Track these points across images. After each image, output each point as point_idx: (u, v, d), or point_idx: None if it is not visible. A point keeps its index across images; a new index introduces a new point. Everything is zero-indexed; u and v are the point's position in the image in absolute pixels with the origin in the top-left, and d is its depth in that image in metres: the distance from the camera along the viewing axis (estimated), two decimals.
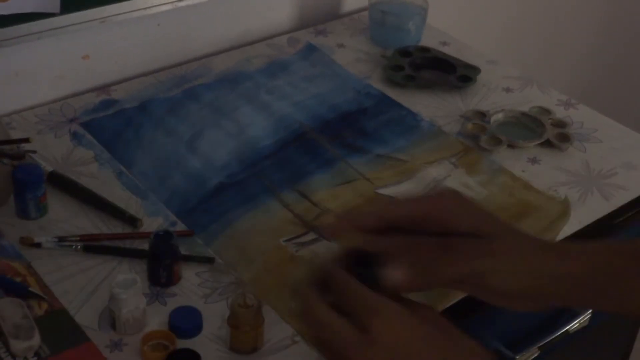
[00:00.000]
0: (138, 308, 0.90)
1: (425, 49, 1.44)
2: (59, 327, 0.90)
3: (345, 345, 0.60)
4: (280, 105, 1.30)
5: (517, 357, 1.10)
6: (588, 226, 1.12)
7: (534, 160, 1.22)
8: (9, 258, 0.97)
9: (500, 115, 1.29)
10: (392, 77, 1.37)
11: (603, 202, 1.15)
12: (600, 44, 2.29)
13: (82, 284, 0.96)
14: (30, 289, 0.93)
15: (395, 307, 0.61)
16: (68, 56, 1.28)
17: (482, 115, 1.29)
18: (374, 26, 1.49)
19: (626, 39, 2.32)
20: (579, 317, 1.17)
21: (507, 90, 1.38)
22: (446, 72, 1.40)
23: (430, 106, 1.33)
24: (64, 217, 1.05)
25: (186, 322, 0.91)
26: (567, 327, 1.16)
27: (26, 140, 1.08)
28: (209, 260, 1.01)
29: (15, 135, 1.15)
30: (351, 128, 1.26)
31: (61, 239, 1.01)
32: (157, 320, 0.92)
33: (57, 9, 1.19)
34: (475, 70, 1.40)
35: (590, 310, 1.17)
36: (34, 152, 1.10)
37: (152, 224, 1.05)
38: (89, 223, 1.05)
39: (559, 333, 1.15)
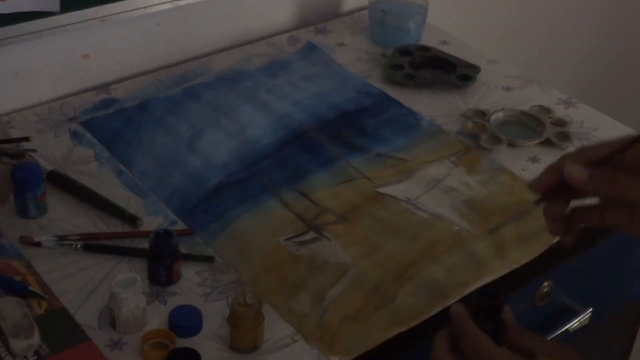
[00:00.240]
0: (138, 307, 0.90)
1: (426, 48, 1.44)
2: (58, 326, 0.90)
3: None
4: (280, 104, 1.29)
5: None
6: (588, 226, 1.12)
7: (534, 159, 1.22)
8: (8, 257, 0.97)
9: (500, 114, 1.29)
10: (392, 76, 1.37)
11: None
12: (600, 44, 2.28)
13: (82, 283, 0.96)
14: (30, 288, 0.93)
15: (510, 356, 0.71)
16: (68, 55, 1.28)
17: (482, 114, 1.29)
18: (374, 25, 1.49)
19: (626, 39, 2.32)
20: (579, 317, 1.17)
21: (507, 89, 1.38)
22: (446, 71, 1.40)
23: (430, 105, 1.33)
24: (63, 216, 1.05)
25: (186, 321, 0.91)
26: (567, 327, 1.16)
27: (26, 139, 1.08)
28: (209, 259, 1.01)
29: (15, 134, 1.15)
30: (351, 127, 1.26)
31: (61, 238, 1.01)
32: (157, 319, 0.92)
33: (56, 8, 1.19)
34: (475, 69, 1.40)
35: (590, 310, 1.17)
36: (34, 151, 1.10)
37: (152, 223, 1.05)
38: (88, 222, 1.05)
39: (559, 333, 1.15)
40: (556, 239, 1.09)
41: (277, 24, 1.51)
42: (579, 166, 0.72)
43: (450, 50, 1.45)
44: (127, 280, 0.90)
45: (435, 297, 0.98)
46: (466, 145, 1.24)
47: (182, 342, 0.89)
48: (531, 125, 1.28)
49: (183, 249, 1.00)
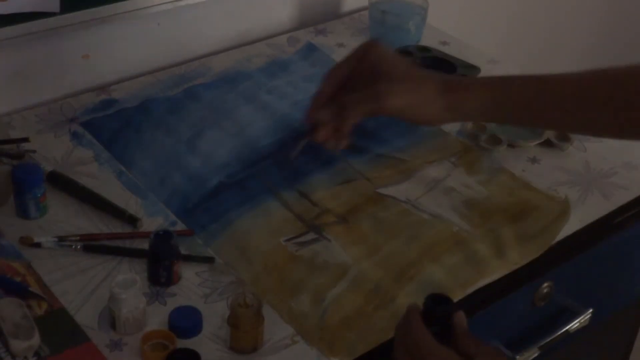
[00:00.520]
0: (138, 308, 0.90)
1: (426, 49, 1.44)
2: (58, 327, 0.89)
3: None
4: (280, 104, 1.29)
5: (517, 357, 1.09)
6: (588, 226, 1.12)
7: (534, 160, 1.22)
8: (8, 258, 0.97)
9: None
10: None
11: (603, 202, 1.15)
12: (600, 44, 2.28)
13: (81, 284, 0.96)
14: (30, 288, 0.93)
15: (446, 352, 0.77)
16: (68, 55, 1.28)
17: None
18: (374, 26, 1.49)
19: (626, 39, 2.32)
20: (579, 318, 1.17)
21: None
22: (446, 71, 1.39)
23: None
24: (63, 216, 1.05)
25: (186, 321, 0.91)
26: (567, 327, 1.16)
27: (26, 139, 1.08)
28: (209, 260, 1.01)
29: (14, 134, 1.15)
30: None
31: (61, 239, 1.01)
32: (157, 320, 0.92)
33: (57, 9, 1.19)
34: (476, 69, 1.39)
35: (590, 310, 1.17)
36: (34, 151, 1.10)
37: (151, 223, 1.05)
38: (88, 223, 1.05)
39: (559, 333, 1.15)
40: (556, 239, 1.09)
41: (277, 25, 1.51)
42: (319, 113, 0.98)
43: (450, 50, 1.45)
44: (127, 281, 0.90)
45: None
46: (466, 145, 1.24)
47: (182, 343, 0.89)
48: None
49: (183, 250, 1.00)
